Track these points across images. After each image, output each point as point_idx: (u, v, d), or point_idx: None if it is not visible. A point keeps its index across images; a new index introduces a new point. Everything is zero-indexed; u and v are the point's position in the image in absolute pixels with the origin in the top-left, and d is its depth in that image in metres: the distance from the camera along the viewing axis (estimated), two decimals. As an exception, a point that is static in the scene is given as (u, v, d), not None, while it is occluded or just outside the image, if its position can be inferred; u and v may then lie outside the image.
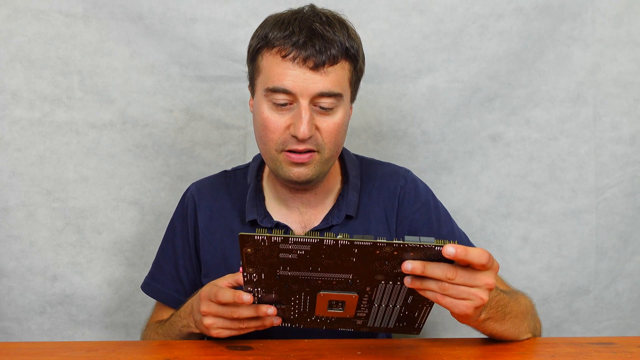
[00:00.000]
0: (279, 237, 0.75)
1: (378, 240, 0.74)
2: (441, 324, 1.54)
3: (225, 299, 0.89)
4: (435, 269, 0.76)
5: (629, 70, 1.50)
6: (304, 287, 0.83)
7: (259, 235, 0.75)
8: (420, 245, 0.74)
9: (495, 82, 1.49)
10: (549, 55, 1.49)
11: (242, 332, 0.93)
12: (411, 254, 0.76)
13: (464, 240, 1.17)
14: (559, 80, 1.50)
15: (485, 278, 0.77)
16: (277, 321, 0.91)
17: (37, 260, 1.45)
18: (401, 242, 0.74)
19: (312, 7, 1.06)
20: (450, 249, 0.73)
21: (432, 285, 0.77)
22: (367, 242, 0.74)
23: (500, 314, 0.92)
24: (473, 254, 0.75)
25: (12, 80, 1.42)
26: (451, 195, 1.52)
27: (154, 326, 1.16)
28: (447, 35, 1.47)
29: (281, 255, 0.78)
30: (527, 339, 1.01)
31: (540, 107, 1.51)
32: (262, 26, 1.05)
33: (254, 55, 1.05)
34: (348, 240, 0.74)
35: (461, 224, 1.45)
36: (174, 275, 1.19)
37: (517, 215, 1.53)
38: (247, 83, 1.11)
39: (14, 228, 1.44)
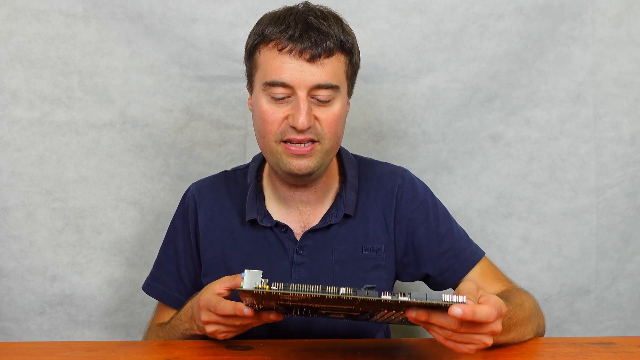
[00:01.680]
0: (279, 292, 0.74)
1: (382, 298, 0.73)
2: (441, 324, 1.53)
3: (225, 312, 0.89)
4: (440, 319, 0.75)
5: (629, 70, 1.50)
6: (305, 308, 0.84)
7: (259, 290, 0.75)
8: (425, 303, 0.73)
9: (495, 82, 1.49)
10: (549, 55, 1.49)
11: (246, 330, 0.94)
12: (416, 307, 0.75)
13: (463, 237, 1.17)
14: (559, 80, 1.50)
15: (492, 326, 0.76)
16: (279, 318, 0.91)
17: (37, 261, 1.45)
18: (407, 299, 0.72)
19: (306, 4, 1.08)
20: (456, 311, 0.71)
21: (436, 329, 0.77)
22: (371, 298, 0.73)
23: (505, 328, 0.91)
24: (481, 315, 0.73)
25: (12, 80, 1.42)
26: (451, 195, 1.52)
27: (155, 329, 1.16)
28: (447, 35, 1.47)
29: (281, 301, 0.78)
30: (530, 339, 1.01)
31: (540, 107, 1.51)
32: (258, 24, 1.07)
33: (251, 52, 1.07)
34: (351, 297, 0.73)
35: (461, 224, 1.44)
36: (175, 275, 1.19)
37: (517, 215, 1.53)
38: (246, 82, 1.12)
39: (14, 228, 1.44)
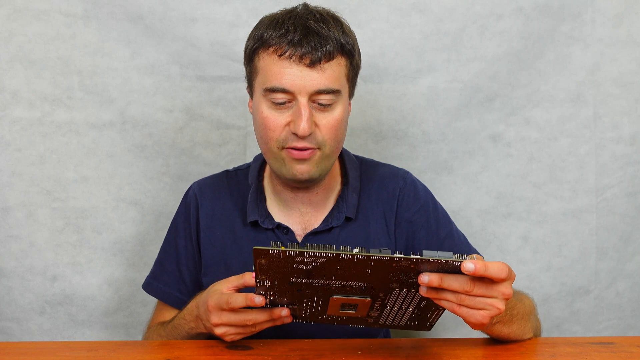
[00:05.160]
0: (294, 251, 0.75)
1: (395, 255, 0.74)
2: (441, 324, 1.54)
3: (238, 304, 0.89)
4: (453, 282, 0.75)
5: (629, 70, 1.50)
6: (317, 291, 0.83)
7: (274, 250, 0.75)
8: (437, 260, 0.73)
9: (495, 82, 1.49)
10: (549, 55, 1.49)
11: (254, 332, 0.94)
12: (428, 267, 0.75)
13: (462, 241, 1.17)
14: (559, 80, 1.50)
15: (503, 288, 0.77)
16: (288, 320, 0.91)
17: (37, 260, 1.45)
18: (419, 257, 0.73)
19: (305, 6, 1.06)
20: (469, 265, 0.72)
21: (448, 296, 0.77)
22: (384, 257, 0.74)
23: (508, 317, 0.92)
24: (493, 270, 0.74)
25: (12, 80, 1.42)
26: (451, 195, 1.52)
27: (156, 328, 1.15)
28: (447, 35, 1.47)
29: (295, 266, 0.78)
30: (529, 338, 1.01)
31: (540, 107, 1.51)
32: (257, 27, 1.06)
33: (250, 57, 1.06)
34: (364, 255, 0.74)
35: (461, 224, 1.45)
36: (176, 274, 1.19)
37: (517, 215, 1.53)
38: (246, 85, 1.12)
39: (14, 228, 1.44)
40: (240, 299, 0.89)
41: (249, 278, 0.92)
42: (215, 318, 0.92)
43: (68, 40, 1.43)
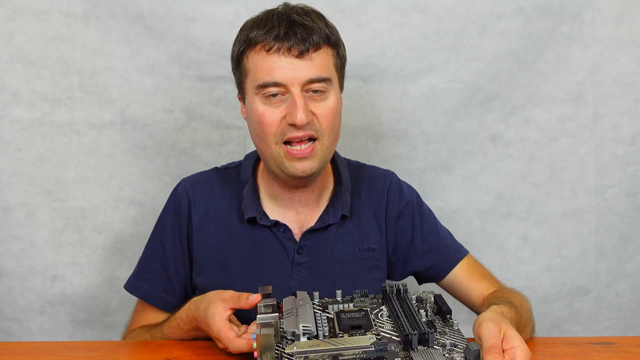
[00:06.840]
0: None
1: None
2: (441, 324, 1.54)
3: (241, 351, 0.90)
4: None
5: (629, 70, 1.50)
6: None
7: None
8: None
9: (495, 82, 1.49)
10: (549, 55, 1.49)
11: None
12: None
13: (447, 236, 1.20)
14: (559, 80, 1.50)
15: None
16: None
17: (38, 260, 1.45)
18: None
19: (285, 4, 1.08)
20: None
21: None
22: None
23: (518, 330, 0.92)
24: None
25: (12, 80, 1.42)
26: (451, 195, 1.52)
27: (140, 333, 1.12)
28: (447, 35, 1.47)
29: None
30: (529, 339, 1.02)
31: (540, 107, 1.51)
32: (241, 31, 1.07)
33: (238, 60, 1.06)
34: None
35: (461, 224, 1.45)
36: (162, 274, 1.16)
37: (517, 215, 1.53)
38: (237, 92, 1.11)
39: (14, 228, 1.44)
40: (243, 348, 0.89)
41: (244, 302, 0.92)
42: (220, 345, 0.93)
43: (68, 40, 1.43)
